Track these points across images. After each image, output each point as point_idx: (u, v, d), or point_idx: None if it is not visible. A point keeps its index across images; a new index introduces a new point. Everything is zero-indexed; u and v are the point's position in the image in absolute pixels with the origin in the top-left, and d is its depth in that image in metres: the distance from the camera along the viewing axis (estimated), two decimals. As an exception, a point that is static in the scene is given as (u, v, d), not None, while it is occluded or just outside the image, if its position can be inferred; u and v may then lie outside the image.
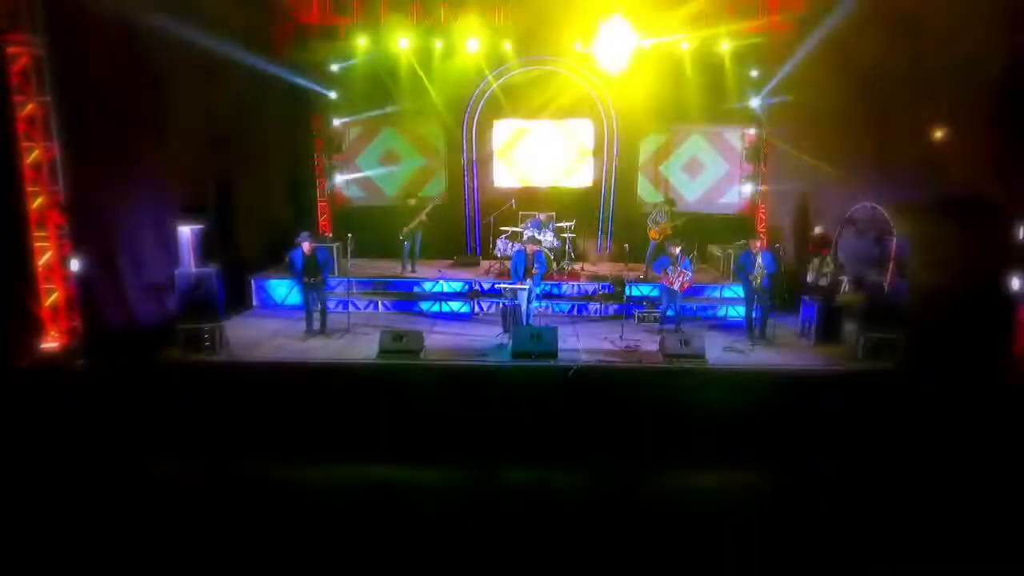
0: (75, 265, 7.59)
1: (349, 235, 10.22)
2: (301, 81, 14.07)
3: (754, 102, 14.25)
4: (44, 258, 7.39)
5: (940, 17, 9.06)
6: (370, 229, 13.65)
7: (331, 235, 14.21)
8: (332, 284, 10.79)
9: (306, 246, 9.30)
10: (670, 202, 12.44)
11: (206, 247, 8.60)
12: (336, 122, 15.09)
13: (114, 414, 7.37)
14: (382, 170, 15.38)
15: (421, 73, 14.48)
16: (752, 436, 7.80)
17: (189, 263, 8.22)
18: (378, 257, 13.51)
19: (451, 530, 6.48)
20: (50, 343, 7.54)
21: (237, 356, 8.36)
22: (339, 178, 15.41)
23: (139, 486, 7.07)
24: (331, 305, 10.16)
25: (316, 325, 9.48)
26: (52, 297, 7.47)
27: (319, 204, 15.32)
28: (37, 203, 7.26)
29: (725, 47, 13.87)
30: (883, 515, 6.77)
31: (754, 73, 14.24)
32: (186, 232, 8.21)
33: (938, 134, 9.41)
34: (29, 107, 7.05)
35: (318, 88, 14.57)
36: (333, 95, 14.80)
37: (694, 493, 7.49)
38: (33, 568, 5.79)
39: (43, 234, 7.35)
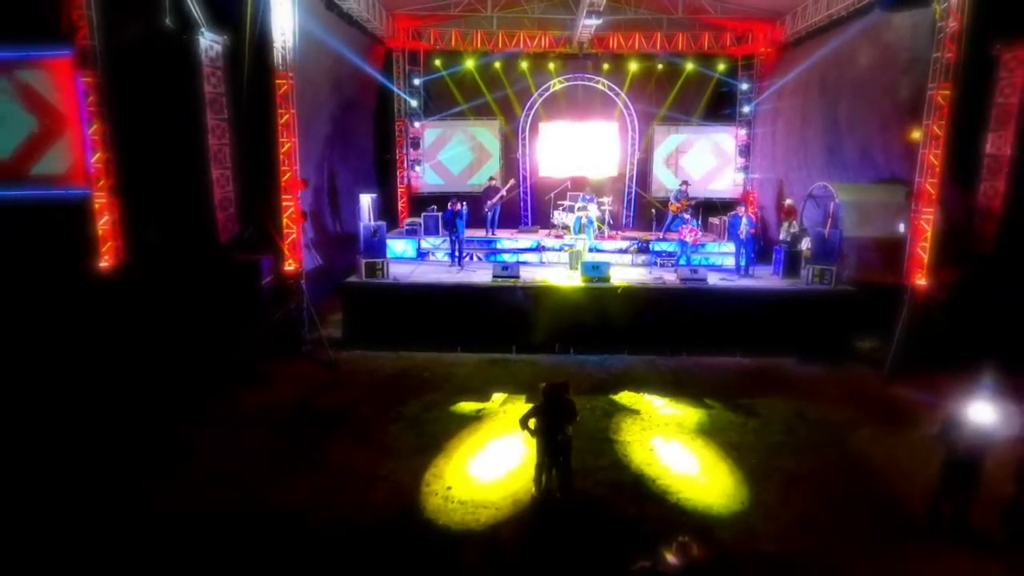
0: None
1: (460, 206, 14.16)
2: (390, 86, 18.31)
3: (744, 108, 18.54)
4: (288, 211, 11.63)
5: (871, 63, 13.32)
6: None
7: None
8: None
9: (458, 206, 13.60)
10: (685, 184, 16.60)
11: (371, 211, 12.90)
12: (416, 124, 19.35)
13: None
14: (452, 162, 19.58)
15: (483, 86, 18.78)
16: (735, 330, 12.05)
17: (369, 220, 12.48)
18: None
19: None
20: (287, 266, 11.77)
21: (396, 279, 12.61)
22: (417, 169, 19.63)
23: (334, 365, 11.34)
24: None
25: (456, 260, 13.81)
26: (291, 237, 11.70)
27: (399, 190, 19.55)
28: (286, 177, 11.50)
29: (721, 66, 18.16)
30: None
31: (744, 86, 18.54)
32: (366, 199, 12.49)
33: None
34: (286, 117, 11.28)
35: (402, 96, 18.85)
36: (414, 103, 19.06)
37: (699, 365, 11.73)
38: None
39: (288, 196, 11.58)
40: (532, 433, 6.92)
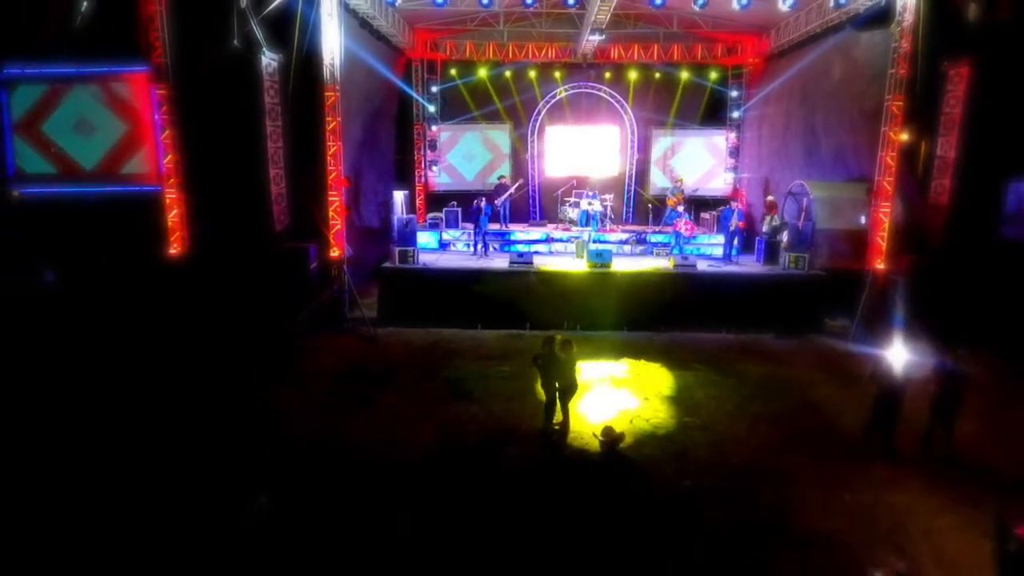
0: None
1: (483, 203, 15.91)
2: (412, 93, 20.08)
3: (734, 113, 20.32)
4: (333, 205, 13.44)
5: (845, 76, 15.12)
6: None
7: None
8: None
9: (482, 202, 15.48)
10: (681, 182, 18.30)
11: (397, 206, 14.74)
12: (433, 128, 21.14)
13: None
14: (466, 163, 21.36)
15: (495, 93, 20.58)
16: (721, 310, 13.84)
17: (401, 213, 14.31)
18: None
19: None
20: (332, 253, 13.58)
21: (426, 265, 14.42)
22: (434, 168, 21.41)
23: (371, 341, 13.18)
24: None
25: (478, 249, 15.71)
26: (335, 227, 13.51)
27: (417, 188, 21.32)
28: (332, 176, 13.31)
29: (713, 75, 19.93)
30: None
31: (734, 93, 20.32)
32: (399, 195, 14.33)
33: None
34: (333, 124, 13.09)
35: (422, 102, 20.64)
36: (432, 108, 20.85)
37: (689, 339, 13.51)
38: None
39: (334, 192, 13.39)
40: (540, 372, 8.80)
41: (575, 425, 8.94)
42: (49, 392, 9.97)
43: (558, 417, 8.90)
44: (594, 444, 7.16)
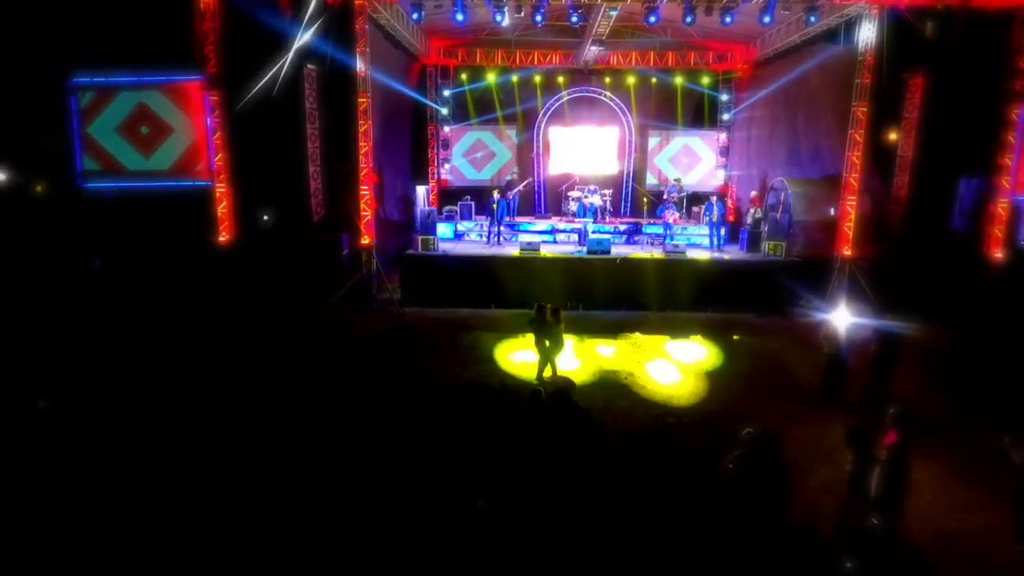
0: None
1: (496, 193, 17.67)
2: (424, 99, 21.77)
3: (724, 116, 22.03)
4: (364, 198, 15.20)
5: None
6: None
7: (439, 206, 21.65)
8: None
9: (496, 196, 17.17)
10: (678, 179, 20.00)
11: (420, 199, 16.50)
12: (446, 128, 22.87)
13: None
14: (476, 161, 23.07)
15: (503, 96, 22.30)
16: (708, 292, 15.59)
17: (424, 205, 16.06)
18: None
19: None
20: (362, 241, 15.34)
21: (445, 252, 16.18)
22: (446, 166, 23.14)
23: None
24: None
25: (492, 238, 17.45)
26: (365, 218, 15.26)
27: (430, 184, 23.04)
28: (364, 172, 15.07)
29: (705, 80, 21.61)
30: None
31: (724, 98, 22.02)
32: (422, 189, 16.10)
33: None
34: (365, 127, 14.84)
35: (434, 106, 22.35)
36: (444, 111, 22.56)
37: (679, 317, 15.26)
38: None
39: (365, 187, 15.15)
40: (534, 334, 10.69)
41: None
42: (135, 359, 11.78)
43: (548, 372, 10.79)
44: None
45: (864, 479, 6.42)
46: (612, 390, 10.72)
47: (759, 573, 6.14)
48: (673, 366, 11.85)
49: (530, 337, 11.07)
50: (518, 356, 12.27)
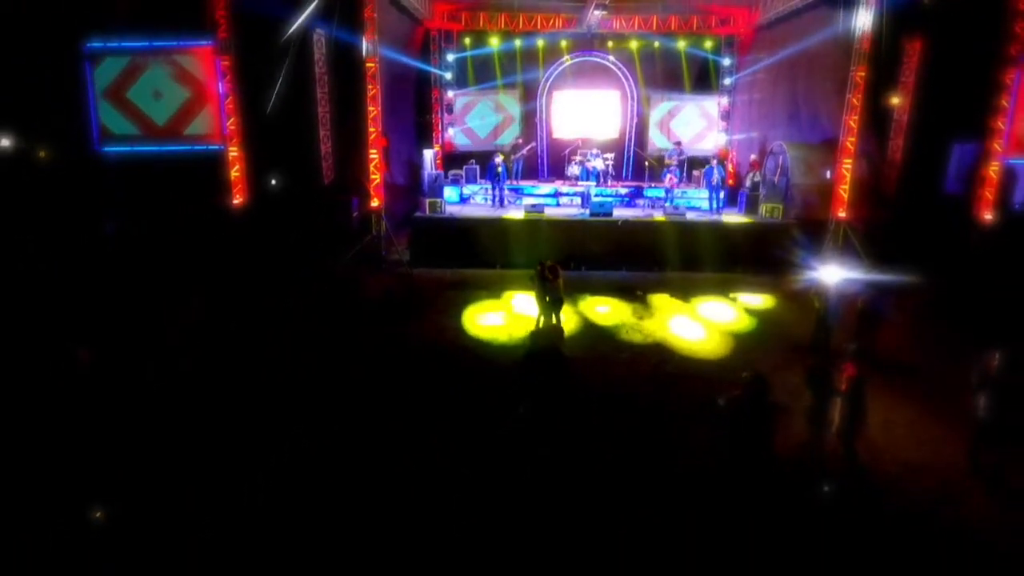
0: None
1: (498, 156, 18.10)
2: (427, 66, 21.96)
3: (726, 80, 22.22)
4: (373, 162, 15.62)
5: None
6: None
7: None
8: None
9: (498, 159, 17.56)
10: (678, 144, 20.35)
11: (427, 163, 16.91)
12: (449, 93, 23.09)
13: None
14: (480, 125, 23.35)
15: (506, 61, 22.47)
16: (707, 253, 16.11)
17: (431, 169, 16.48)
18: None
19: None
20: (372, 203, 15.82)
21: (452, 214, 16.66)
22: (450, 131, 23.42)
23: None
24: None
25: (496, 201, 17.91)
26: (375, 181, 15.71)
27: (435, 148, 23.36)
28: (373, 136, 15.47)
29: (708, 44, 21.76)
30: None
31: (726, 61, 22.19)
32: (429, 153, 16.49)
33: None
34: (373, 91, 15.20)
35: (438, 71, 22.54)
36: (448, 75, 22.76)
37: (679, 277, 15.80)
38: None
39: (374, 151, 15.56)
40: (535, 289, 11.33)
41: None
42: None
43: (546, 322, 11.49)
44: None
45: (823, 414, 7.14)
46: (611, 343, 11.35)
47: (744, 493, 6.82)
48: (673, 321, 12.44)
49: (532, 293, 11.65)
50: (521, 312, 12.86)
